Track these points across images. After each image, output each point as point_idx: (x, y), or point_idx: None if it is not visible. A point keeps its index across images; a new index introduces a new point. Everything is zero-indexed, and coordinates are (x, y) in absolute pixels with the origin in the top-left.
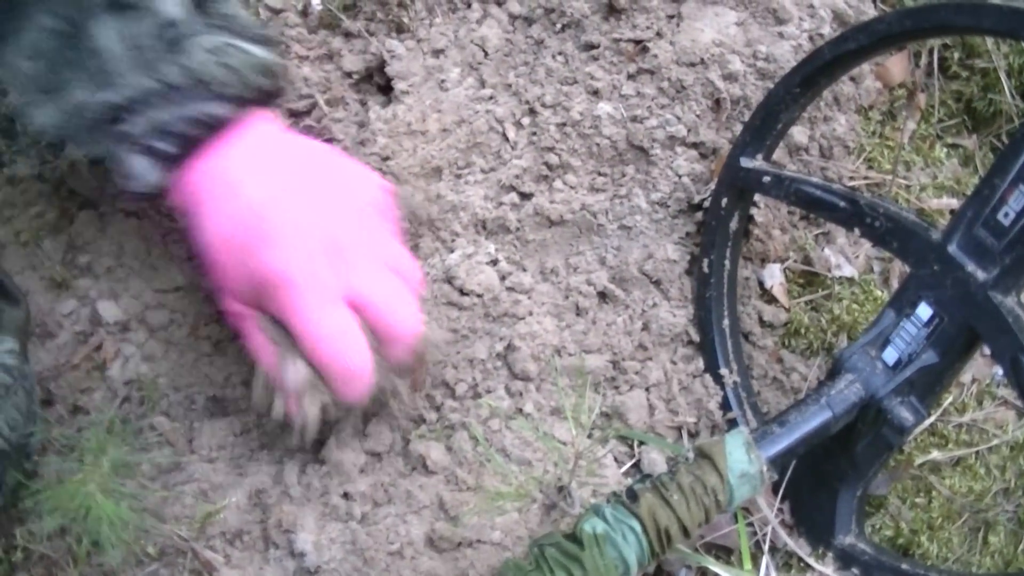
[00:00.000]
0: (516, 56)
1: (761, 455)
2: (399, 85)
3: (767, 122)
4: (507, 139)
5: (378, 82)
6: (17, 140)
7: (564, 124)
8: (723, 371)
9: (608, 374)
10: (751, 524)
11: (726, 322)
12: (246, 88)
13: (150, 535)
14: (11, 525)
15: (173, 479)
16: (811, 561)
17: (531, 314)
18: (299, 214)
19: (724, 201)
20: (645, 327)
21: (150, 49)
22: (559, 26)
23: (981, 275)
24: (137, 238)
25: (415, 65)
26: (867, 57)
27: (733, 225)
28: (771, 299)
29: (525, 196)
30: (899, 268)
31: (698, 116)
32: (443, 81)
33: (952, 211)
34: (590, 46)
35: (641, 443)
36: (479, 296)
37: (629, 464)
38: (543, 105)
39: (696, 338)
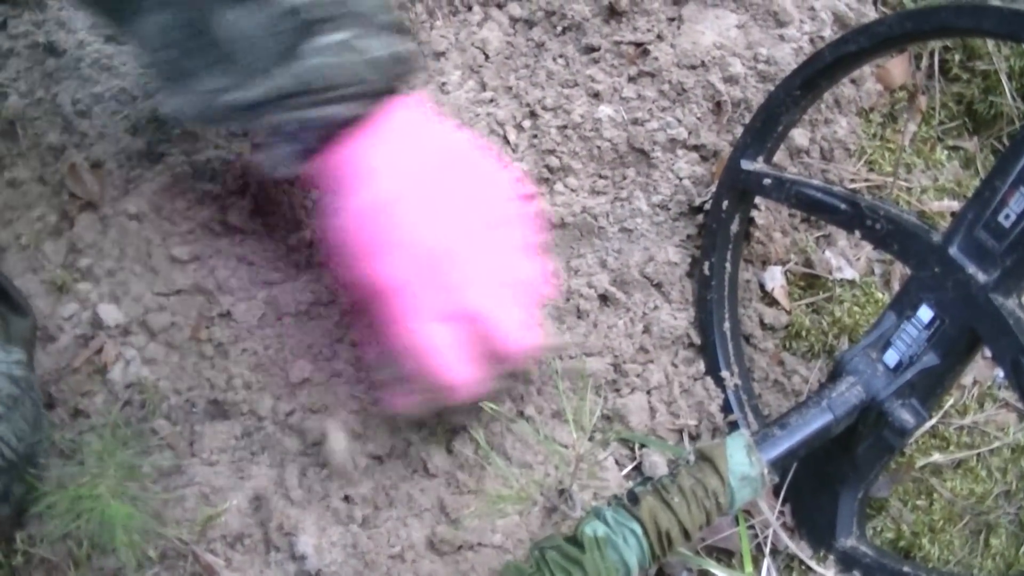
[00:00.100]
0: (517, 59)
1: (762, 458)
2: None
3: (768, 124)
4: (508, 142)
5: None
6: (18, 143)
7: (565, 127)
8: (724, 374)
9: (609, 377)
10: (752, 527)
11: (727, 325)
12: (377, 83)
13: (151, 538)
14: (12, 529)
15: (174, 482)
16: (812, 564)
17: None
18: (420, 218)
19: (725, 203)
20: (646, 330)
21: (275, 41)
22: (560, 29)
23: (982, 277)
24: (138, 241)
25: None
26: (868, 59)
27: (734, 228)
28: (772, 301)
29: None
30: (900, 270)
31: (699, 118)
32: (444, 84)
33: (953, 213)
34: (591, 49)
35: (642, 446)
36: None
37: (630, 467)
38: (544, 108)
39: (697, 341)
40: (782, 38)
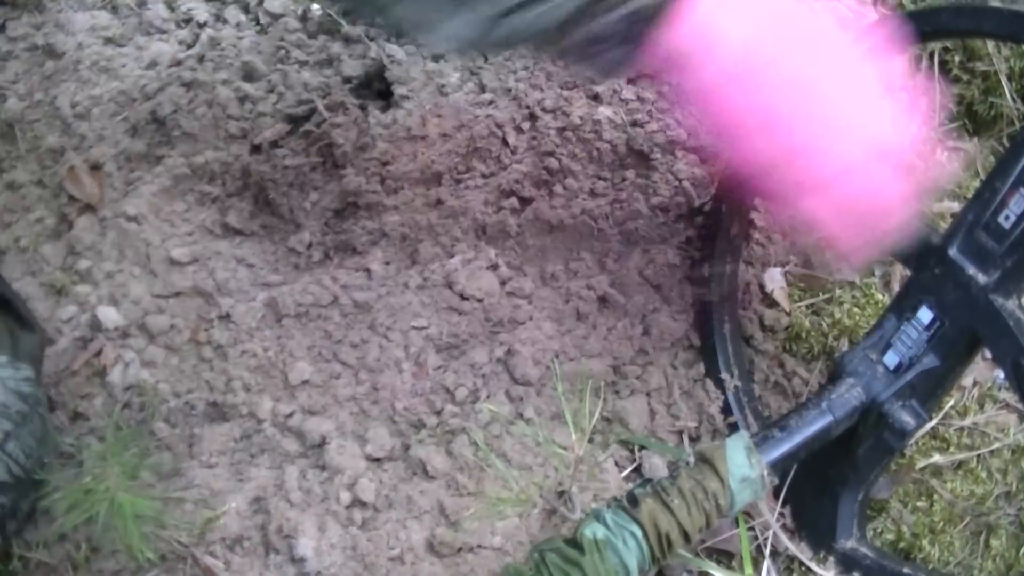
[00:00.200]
0: (516, 60)
1: (762, 459)
2: (399, 90)
3: None
4: (507, 144)
5: (378, 87)
6: (17, 145)
7: (564, 129)
8: (724, 375)
9: (609, 379)
10: (752, 528)
11: (727, 326)
12: None
13: (151, 539)
14: (15, 544)
15: (173, 485)
16: (812, 565)
17: (531, 319)
18: (772, 87)
19: (724, 205)
20: (646, 332)
21: None
22: None
23: (982, 278)
24: (137, 243)
25: (415, 70)
26: None
27: (734, 229)
28: (772, 303)
29: (525, 201)
30: (900, 272)
31: (698, 120)
32: (443, 86)
33: (953, 215)
34: None
35: (642, 448)
36: (479, 301)
37: (630, 469)
38: (543, 110)
39: (697, 343)
40: None
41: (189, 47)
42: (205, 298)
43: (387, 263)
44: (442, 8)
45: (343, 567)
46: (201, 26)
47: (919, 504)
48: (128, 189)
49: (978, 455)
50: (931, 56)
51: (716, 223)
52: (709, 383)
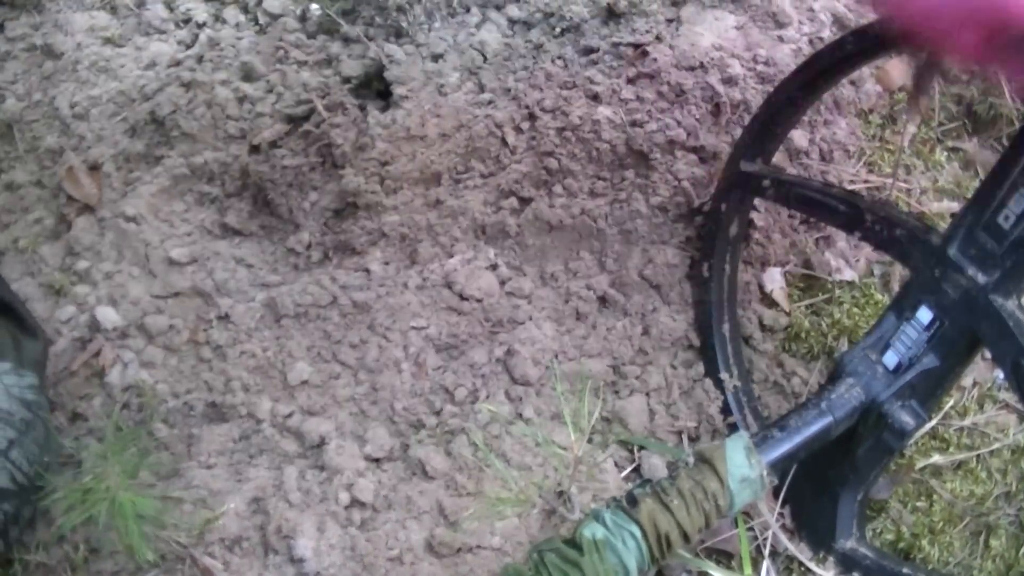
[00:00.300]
0: (515, 60)
1: (762, 460)
2: (398, 90)
3: (767, 126)
4: (506, 144)
5: (377, 87)
6: (15, 146)
7: (563, 129)
8: (723, 375)
9: (608, 379)
10: (752, 529)
11: (726, 326)
12: None
13: (150, 540)
14: (15, 549)
15: (172, 485)
16: (812, 565)
17: (531, 319)
18: None
19: (724, 205)
20: (645, 332)
21: None
22: (558, 30)
23: (982, 278)
24: (136, 243)
25: (414, 70)
26: (867, 61)
27: (733, 229)
28: (771, 303)
29: (525, 201)
30: (900, 272)
31: (698, 120)
32: (442, 86)
33: (952, 215)
34: (589, 50)
35: (641, 448)
36: (479, 301)
37: (629, 469)
38: (542, 110)
39: (696, 343)
40: (781, 39)
41: (188, 47)
42: (204, 298)
43: (386, 263)
44: None
45: (342, 567)
46: (200, 26)
47: (919, 504)
48: (127, 189)
49: (978, 455)
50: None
51: (715, 223)
52: (708, 383)
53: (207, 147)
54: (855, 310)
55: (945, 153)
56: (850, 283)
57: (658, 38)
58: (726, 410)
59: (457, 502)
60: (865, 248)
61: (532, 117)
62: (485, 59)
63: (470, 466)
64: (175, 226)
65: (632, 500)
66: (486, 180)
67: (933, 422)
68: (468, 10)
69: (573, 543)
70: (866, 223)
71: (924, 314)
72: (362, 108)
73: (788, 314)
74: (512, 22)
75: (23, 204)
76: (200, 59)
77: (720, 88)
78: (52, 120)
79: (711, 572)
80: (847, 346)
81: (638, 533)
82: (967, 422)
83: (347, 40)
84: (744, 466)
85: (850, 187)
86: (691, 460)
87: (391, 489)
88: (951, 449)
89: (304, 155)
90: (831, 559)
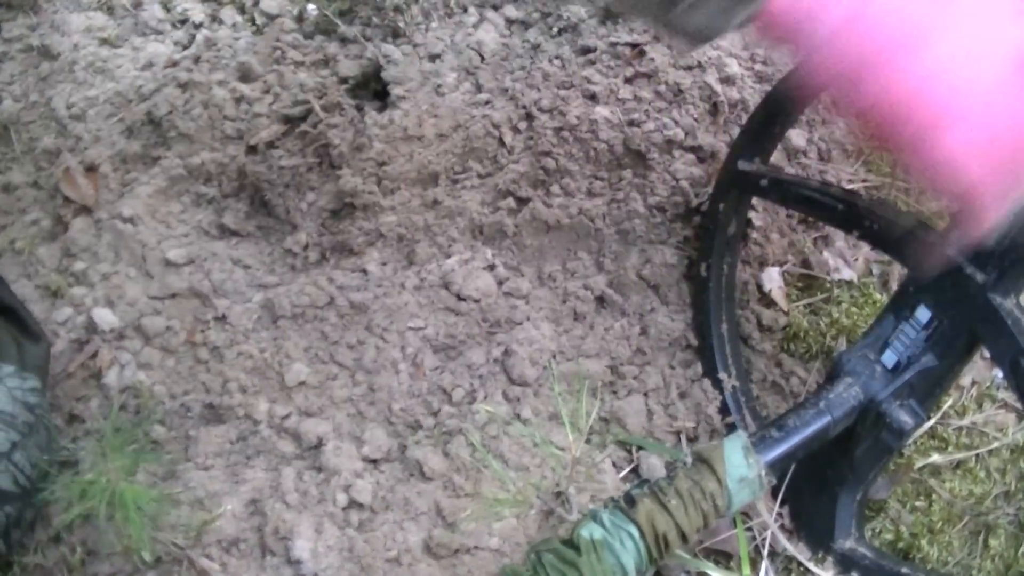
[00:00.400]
0: (513, 60)
1: (760, 459)
2: (395, 90)
3: (765, 125)
4: (504, 144)
5: (374, 87)
6: (12, 147)
7: (561, 128)
8: (722, 375)
9: (606, 379)
10: (750, 529)
11: (725, 326)
12: None
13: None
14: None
15: (169, 487)
16: (811, 566)
17: (528, 319)
18: (911, 28)
19: (722, 205)
20: (643, 332)
21: None
22: (556, 30)
23: (980, 277)
24: (133, 244)
25: (411, 70)
26: None
27: (731, 229)
28: (770, 303)
29: (522, 201)
30: (898, 271)
31: (696, 120)
32: (439, 86)
33: (951, 213)
34: (587, 50)
35: (640, 448)
36: (476, 301)
37: (628, 469)
38: (540, 109)
39: (695, 342)
40: None
41: (185, 48)
42: (201, 299)
43: (384, 264)
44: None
45: (340, 569)
46: (197, 27)
47: (918, 504)
48: (124, 190)
49: (976, 455)
50: None
51: (713, 223)
52: (707, 383)
53: (204, 148)
54: (854, 310)
55: None
56: (849, 282)
57: (656, 37)
58: (724, 410)
59: (455, 503)
60: (864, 247)
61: (529, 117)
62: (482, 59)
63: (468, 467)
64: (172, 227)
65: (630, 500)
66: (483, 180)
67: (932, 421)
68: (465, 10)
69: (571, 543)
70: (864, 222)
71: (922, 313)
72: (359, 108)
73: (786, 314)
74: (510, 22)
75: (20, 205)
76: (197, 60)
77: (718, 87)
78: (49, 121)
79: (710, 572)
80: (846, 345)
81: (636, 533)
82: (966, 421)
83: (344, 40)
84: (742, 466)
85: (848, 186)
86: (689, 460)
87: (389, 490)
88: (950, 448)
89: (301, 155)
90: (830, 559)
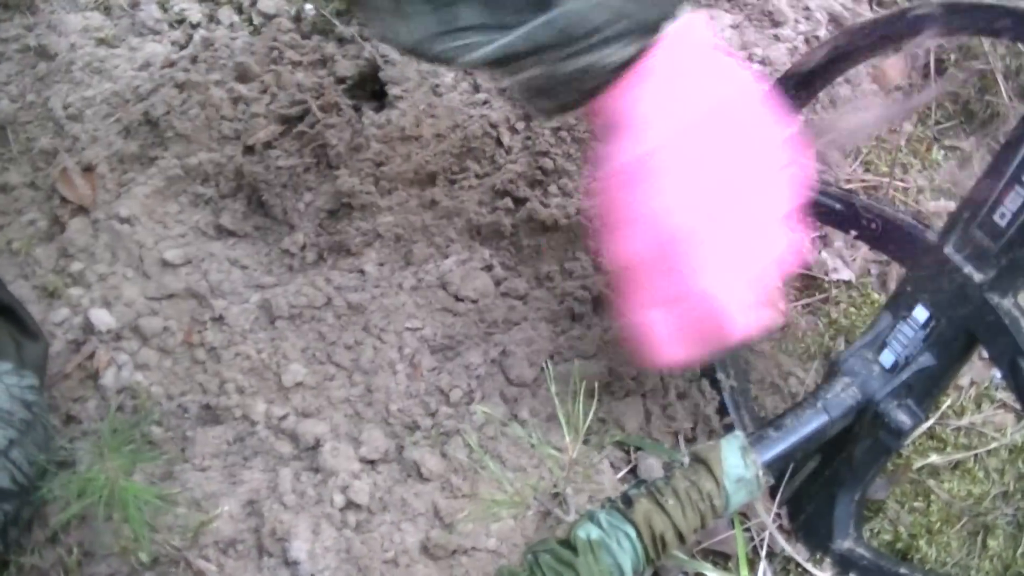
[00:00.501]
0: None
1: (758, 459)
2: (393, 90)
3: None
4: (501, 144)
5: (372, 88)
6: (9, 147)
7: (559, 128)
8: (720, 376)
9: (604, 380)
10: (748, 529)
11: None
12: (643, 15)
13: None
14: (13, 552)
15: (166, 488)
16: (809, 566)
17: (526, 320)
18: (672, 188)
19: None
20: None
21: None
22: None
23: (978, 277)
24: (130, 244)
25: (409, 70)
26: (863, 59)
27: None
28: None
29: (519, 201)
30: (896, 271)
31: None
32: (437, 86)
33: (949, 213)
34: None
35: (638, 449)
36: (474, 302)
37: (626, 470)
38: None
39: None
40: (777, 38)
41: (182, 48)
42: (198, 300)
43: (381, 264)
44: (390, 10)
45: (337, 570)
46: (194, 27)
47: (916, 504)
48: (121, 191)
49: (975, 455)
50: (927, 54)
51: None
52: (705, 383)
53: (201, 148)
54: (852, 310)
55: (942, 152)
56: (847, 283)
57: None
58: (722, 410)
59: (452, 504)
60: (862, 247)
61: (527, 117)
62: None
63: (465, 468)
64: (169, 227)
65: (627, 501)
66: (481, 180)
67: (930, 422)
68: None
69: (568, 544)
70: (862, 222)
71: (920, 313)
72: (357, 109)
73: (785, 314)
74: None
75: (16, 206)
76: (194, 60)
77: None
78: (46, 121)
79: (707, 573)
80: (844, 346)
81: (633, 534)
82: (964, 422)
83: (342, 40)
84: (740, 466)
85: (846, 186)
86: (686, 460)
87: (386, 491)
88: (948, 449)
89: (299, 156)
90: (828, 560)
